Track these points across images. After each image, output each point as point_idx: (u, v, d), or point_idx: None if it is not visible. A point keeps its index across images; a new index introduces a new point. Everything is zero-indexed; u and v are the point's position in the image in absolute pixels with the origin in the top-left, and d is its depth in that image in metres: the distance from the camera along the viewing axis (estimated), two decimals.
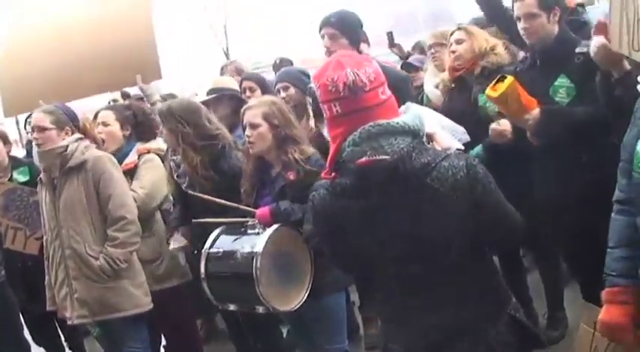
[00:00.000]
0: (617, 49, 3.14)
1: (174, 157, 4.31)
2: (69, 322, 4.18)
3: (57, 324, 5.29)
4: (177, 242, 4.28)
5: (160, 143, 4.75)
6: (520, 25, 3.78)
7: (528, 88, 3.64)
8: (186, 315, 4.81)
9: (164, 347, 5.20)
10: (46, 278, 4.23)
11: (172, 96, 6.12)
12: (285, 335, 4.79)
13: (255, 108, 3.70)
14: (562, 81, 3.67)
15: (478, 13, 4.60)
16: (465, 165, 2.23)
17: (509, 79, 3.54)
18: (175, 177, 4.31)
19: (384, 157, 2.19)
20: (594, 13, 4.93)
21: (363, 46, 6.02)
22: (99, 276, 3.98)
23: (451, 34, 4.54)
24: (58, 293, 4.13)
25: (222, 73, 6.53)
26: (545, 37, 3.72)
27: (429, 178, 2.20)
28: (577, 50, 3.62)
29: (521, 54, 4.36)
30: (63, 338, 5.77)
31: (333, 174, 2.34)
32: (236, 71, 6.36)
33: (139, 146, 4.61)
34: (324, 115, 2.35)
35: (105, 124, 4.53)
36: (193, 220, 3.98)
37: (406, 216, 2.22)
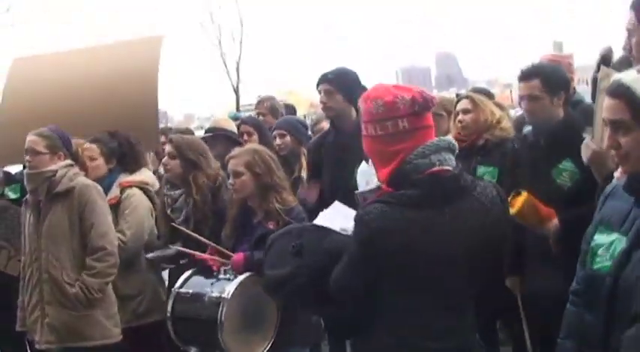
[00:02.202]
0: (600, 144, 3.20)
1: (172, 192, 4.33)
2: (36, 345, 4.18)
3: (27, 342, 5.28)
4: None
5: (144, 175, 4.75)
6: (522, 105, 3.82)
7: (530, 168, 3.69)
8: (160, 349, 4.83)
9: None
10: (20, 298, 4.25)
11: (189, 131, 6.15)
12: None
13: (238, 157, 3.78)
14: (566, 164, 3.65)
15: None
16: (492, 185, 2.53)
17: (524, 195, 3.54)
18: (169, 211, 4.33)
19: (450, 168, 2.40)
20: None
21: None
22: (72, 304, 3.99)
23: (457, 102, 4.54)
24: (29, 315, 4.13)
25: (257, 106, 6.55)
26: (548, 119, 3.72)
27: (476, 192, 2.43)
28: (584, 135, 3.55)
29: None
30: None
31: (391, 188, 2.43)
32: (270, 109, 6.34)
33: (122, 179, 4.61)
34: (381, 132, 2.42)
35: (91, 159, 4.55)
36: (177, 248, 4.02)
37: (463, 226, 2.37)
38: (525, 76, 3.75)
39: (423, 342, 2.40)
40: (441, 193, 2.37)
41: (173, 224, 3.99)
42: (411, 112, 2.40)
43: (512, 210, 3.48)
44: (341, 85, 4.40)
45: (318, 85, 4.47)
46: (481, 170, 4.15)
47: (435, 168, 2.37)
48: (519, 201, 3.53)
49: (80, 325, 4.02)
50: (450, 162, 2.41)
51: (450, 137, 2.56)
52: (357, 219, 2.41)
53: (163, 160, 4.33)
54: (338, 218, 3.04)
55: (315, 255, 2.57)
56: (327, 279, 2.48)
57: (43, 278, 4.05)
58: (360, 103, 2.53)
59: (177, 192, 4.28)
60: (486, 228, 2.42)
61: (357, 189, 3.27)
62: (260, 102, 6.56)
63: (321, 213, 3.28)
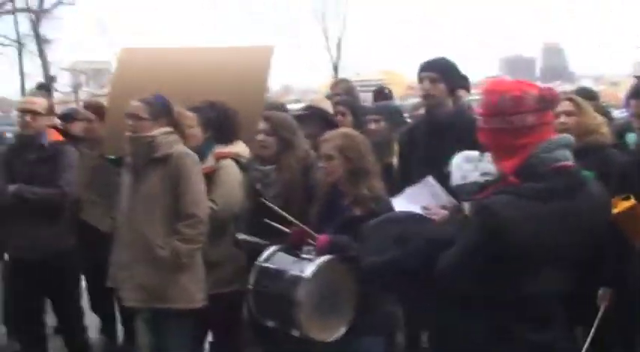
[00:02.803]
0: None
1: (263, 168, 4.39)
2: (123, 303, 4.37)
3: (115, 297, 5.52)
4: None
5: (239, 147, 4.80)
6: (635, 124, 3.74)
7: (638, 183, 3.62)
8: (238, 319, 4.96)
9: (210, 343, 5.36)
10: (112, 255, 4.43)
11: (283, 107, 6.19)
12: None
13: (331, 140, 3.81)
14: None
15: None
16: (597, 183, 2.66)
17: (632, 201, 3.50)
18: (259, 187, 4.39)
19: (571, 164, 2.54)
20: None
21: (462, 93, 6.07)
22: (161, 266, 4.12)
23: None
24: (119, 273, 4.31)
25: (333, 87, 6.62)
26: None
27: (588, 187, 2.56)
28: None
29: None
30: (118, 311, 6.05)
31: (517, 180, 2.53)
32: (346, 91, 6.42)
33: (218, 149, 4.68)
34: (507, 125, 2.52)
35: (189, 127, 4.60)
36: (265, 220, 4.02)
37: (578, 221, 2.49)
38: (638, 94, 3.65)
39: (523, 333, 2.49)
40: (564, 187, 2.48)
41: (263, 200, 4.05)
42: (537, 108, 2.50)
43: (614, 211, 3.44)
44: (445, 74, 4.37)
45: (421, 72, 4.45)
46: None
47: (561, 163, 2.50)
48: (624, 205, 3.50)
49: (166, 288, 4.15)
50: (570, 159, 2.54)
51: (568, 135, 2.69)
52: (481, 208, 2.49)
53: (259, 137, 4.37)
54: (424, 195, 3.20)
55: (418, 244, 2.67)
56: (427, 268, 2.55)
57: (135, 238, 4.19)
58: (483, 96, 2.62)
59: (269, 167, 4.34)
60: (596, 223, 2.57)
61: (449, 179, 3.28)
62: (336, 84, 6.63)
63: (407, 189, 3.34)
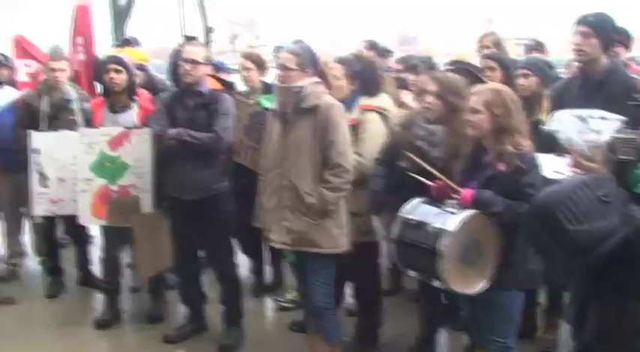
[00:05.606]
0: None
1: (429, 126, 4.31)
2: (270, 244, 4.59)
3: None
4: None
5: (383, 100, 4.85)
6: None
7: None
8: (377, 267, 5.12)
9: (352, 288, 5.55)
10: (259, 197, 4.63)
11: (429, 60, 6.08)
12: None
13: (479, 94, 3.76)
14: None
15: None
16: None
17: None
18: (421, 144, 4.29)
19: None
20: None
21: (620, 50, 5.80)
22: (308, 212, 4.29)
23: None
24: (267, 215, 4.50)
25: (480, 42, 6.50)
26: None
27: None
28: None
29: None
30: (267, 252, 6.35)
31: None
32: (494, 44, 6.30)
33: (363, 101, 4.77)
34: None
35: (335, 78, 4.73)
36: (406, 152, 4.06)
37: None
38: None
39: None
40: None
41: (408, 154, 4.06)
42: None
43: None
44: (600, 29, 4.22)
45: (575, 26, 4.32)
46: None
47: None
48: None
49: (313, 232, 4.32)
50: None
51: None
52: None
53: (427, 99, 4.27)
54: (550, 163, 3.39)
55: (622, 205, 2.78)
56: None
57: (283, 184, 4.36)
58: None
59: (435, 126, 4.28)
60: None
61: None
62: (484, 37, 6.48)
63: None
